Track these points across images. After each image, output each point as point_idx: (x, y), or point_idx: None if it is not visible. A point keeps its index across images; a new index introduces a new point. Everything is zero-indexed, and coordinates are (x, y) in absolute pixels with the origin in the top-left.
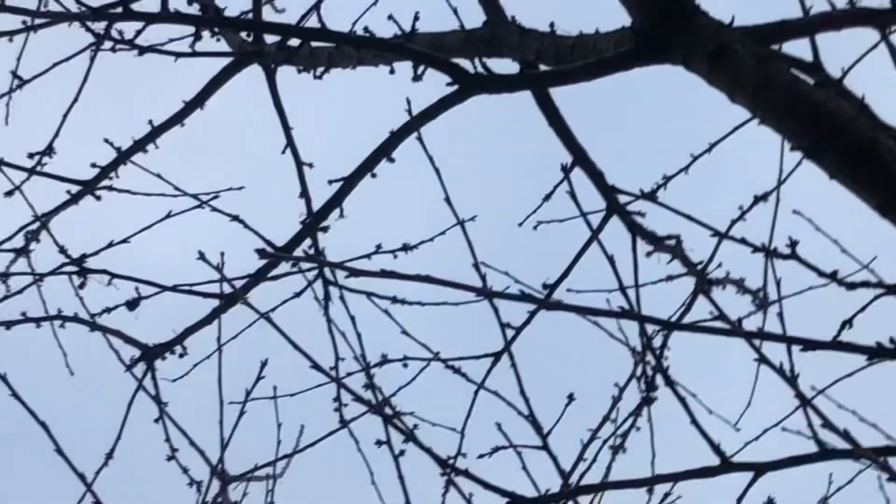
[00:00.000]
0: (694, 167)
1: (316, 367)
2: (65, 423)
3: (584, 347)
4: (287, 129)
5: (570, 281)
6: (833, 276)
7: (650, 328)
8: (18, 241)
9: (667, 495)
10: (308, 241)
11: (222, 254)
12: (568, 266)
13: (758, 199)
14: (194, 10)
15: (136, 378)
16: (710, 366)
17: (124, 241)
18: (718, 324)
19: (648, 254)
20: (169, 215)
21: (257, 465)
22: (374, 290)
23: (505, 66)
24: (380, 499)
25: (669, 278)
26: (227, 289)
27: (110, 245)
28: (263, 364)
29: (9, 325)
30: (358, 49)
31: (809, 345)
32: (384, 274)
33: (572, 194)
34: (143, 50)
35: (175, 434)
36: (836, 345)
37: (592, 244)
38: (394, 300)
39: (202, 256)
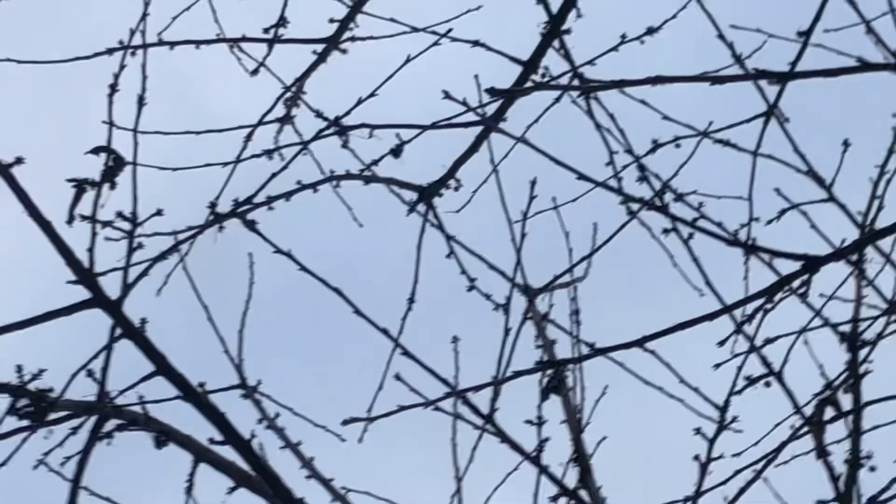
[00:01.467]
0: None
1: (582, 176)
2: (356, 282)
3: (852, 84)
4: None
5: (826, 20)
6: None
7: None
8: (277, 112)
9: None
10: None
11: (476, 76)
12: (818, 8)
13: None
14: None
15: (421, 215)
16: None
17: (372, 94)
18: None
19: None
20: (408, 60)
21: (556, 275)
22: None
23: None
24: (685, 279)
25: None
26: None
27: (359, 102)
28: (533, 183)
29: (288, 195)
30: None
31: None
32: (616, 84)
33: None
34: None
35: (468, 265)
36: None
37: None
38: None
39: (447, 95)
